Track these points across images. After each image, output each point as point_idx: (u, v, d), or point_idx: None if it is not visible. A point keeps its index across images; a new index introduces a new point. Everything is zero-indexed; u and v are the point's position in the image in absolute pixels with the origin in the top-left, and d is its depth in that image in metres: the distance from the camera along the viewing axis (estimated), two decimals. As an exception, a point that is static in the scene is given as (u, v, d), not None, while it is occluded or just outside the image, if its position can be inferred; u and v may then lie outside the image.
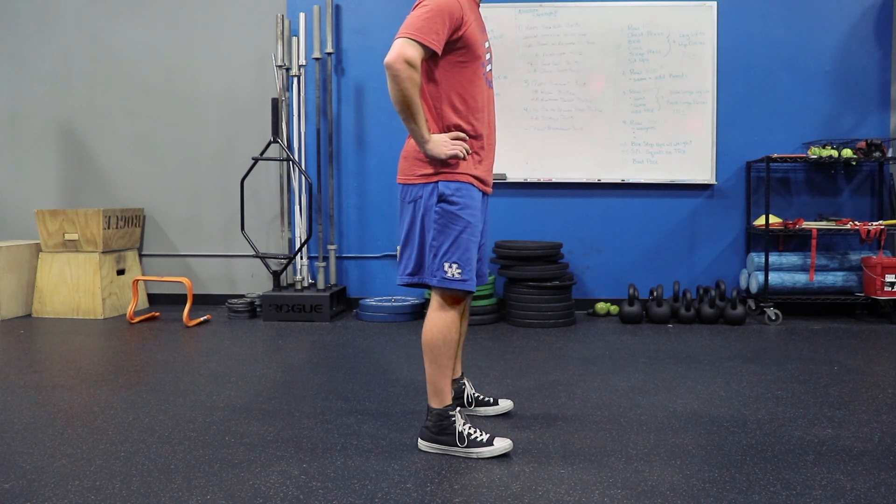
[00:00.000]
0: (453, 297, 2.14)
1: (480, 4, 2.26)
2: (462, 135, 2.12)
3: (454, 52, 2.09)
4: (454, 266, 2.09)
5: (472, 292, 2.17)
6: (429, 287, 2.16)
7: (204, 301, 4.94)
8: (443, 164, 2.09)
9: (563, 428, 2.38)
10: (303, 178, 4.65)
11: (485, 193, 2.23)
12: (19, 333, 4.08)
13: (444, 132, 2.12)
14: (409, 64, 1.95)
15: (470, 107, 2.14)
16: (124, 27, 4.95)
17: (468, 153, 2.12)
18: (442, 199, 2.09)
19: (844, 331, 4.05)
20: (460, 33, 2.07)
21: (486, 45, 2.22)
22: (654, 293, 4.31)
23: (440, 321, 2.13)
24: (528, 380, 3.00)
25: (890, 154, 4.51)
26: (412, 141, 2.13)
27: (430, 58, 2.06)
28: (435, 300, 2.16)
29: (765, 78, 4.64)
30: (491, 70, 2.26)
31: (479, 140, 2.17)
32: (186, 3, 4.91)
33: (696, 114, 4.63)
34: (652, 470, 2.01)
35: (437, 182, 2.09)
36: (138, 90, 4.98)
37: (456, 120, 2.13)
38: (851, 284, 4.41)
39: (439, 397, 2.14)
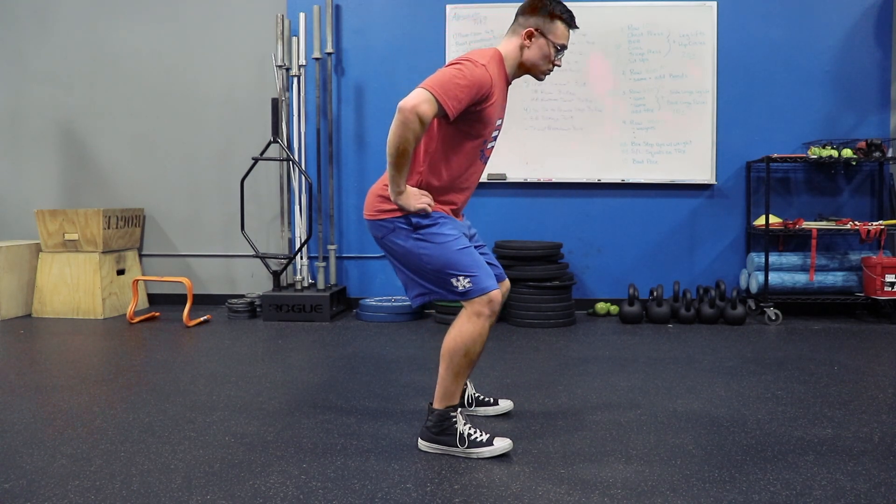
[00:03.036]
0: (482, 302, 2.07)
1: (511, 82, 2.25)
2: (430, 200, 2.11)
3: (464, 122, 2.08)
4: (460, 278, 2.07)
5: (492, 289, 2.08)
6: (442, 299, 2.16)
7: (204, 301, 4.94)
8: None
9: (563, 428, 2.38)
10: (303, 178, 4.65)
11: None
12: (19, 333, 4.08)
13: (418, 182, 2.13)
14: (420, 118, 1.93)
15: (453, 176, 2.16)
16: (124, 27, 4.95)
17: (432, 208, 2.12)
18: (415, 225, 2.10)
19: (844, 331, 4.05)
20: (479, 108, 2.07)
21: (499, 122, 2.21)
22: (654, 293, 4.31)
23: (468, 332, 2.07)
24: (528, 380, 2.99)
25: (890, 154, 4.51)
26: (382, 180, 2.15)
27: (441, 117, 2.05)
28: (467, 308, 2.10)
29: (765, 78, 4.64)
30: (493, 147, 2.26)
31: (450, 201, 2.20)
32: (186, 3, 4.91)
33: (696, 114, 4.63)
34: (652, 470, 2.01)
35: (404, 214, 2.11)
36: (138, 90, 4.98)
37: (434, 184, 2.14)
38: (851, 284, 4.41)
39: (446, 400, 2.14)
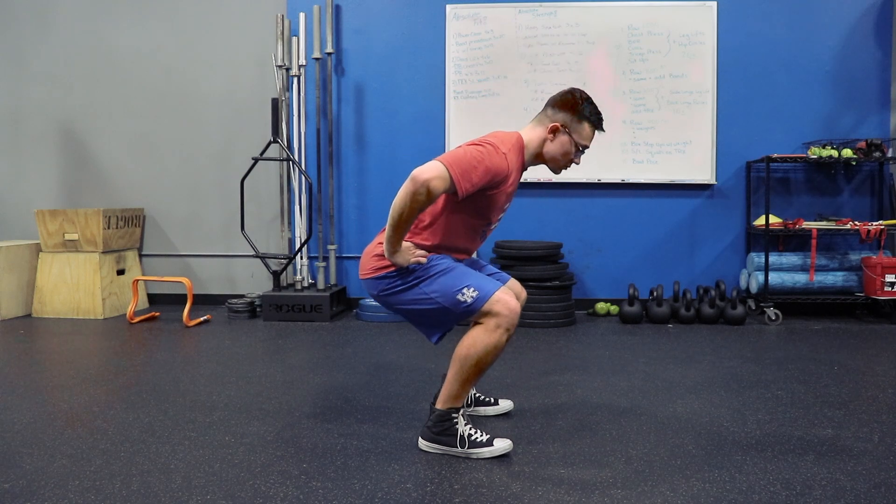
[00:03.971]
0: (498, 314, 2.04)
1: (526, 169, 2.26)
2: (423, 252, 2.14)
3: (472, 202, 2.11)
4: (464, 291, 2.07)
5: (507, 298, 2.06)
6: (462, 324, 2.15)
7: (204, 301, 4.94)
8: None
9: (563, 428, 2.38)
10: (303, 178, 4.65)
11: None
12: (19, 333, 4.08)
13: (417, 242, 2.16)
14: (430, 193, 1.96)
15: (451, 246, 2.19)
16: (124, 27, 4.96)
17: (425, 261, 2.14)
18: (410, 270, 2.12)
19: (844, 331, 4.05)
20: (490, 192, 2.10)
21: (506, 206, 2.24)
22: (654, 293, 4.31)
23: (481, 342, 2.05)
24: (528, 380, 2.99)
25: (890, 154, 4.52)
26: (377, 239, 2.19)
27: (451, 194, 2.06)
28: (484, 320, 2.07)
29: (765, 78, 4.64)
30: (494, 227, 2.29)
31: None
32: (186, 4, 4.91)
33: (696, 114, 4.63)
34: (652, 470, 2.01)
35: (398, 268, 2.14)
36: (138, 90, 4.98)
37: (431, 247, 2.17)
38: (851, 284, 4.41)
39: (450, 402, 2.14)
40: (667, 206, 4.73)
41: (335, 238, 4.84)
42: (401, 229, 2.02)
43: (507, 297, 2.06)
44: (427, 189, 1.94)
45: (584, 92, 2.23)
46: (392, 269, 2.14)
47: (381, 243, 2.14)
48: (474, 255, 2.43)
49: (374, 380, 2.99)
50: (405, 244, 2.11)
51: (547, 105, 2.24)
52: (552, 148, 2.21)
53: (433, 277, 2.11)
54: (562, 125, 2.19)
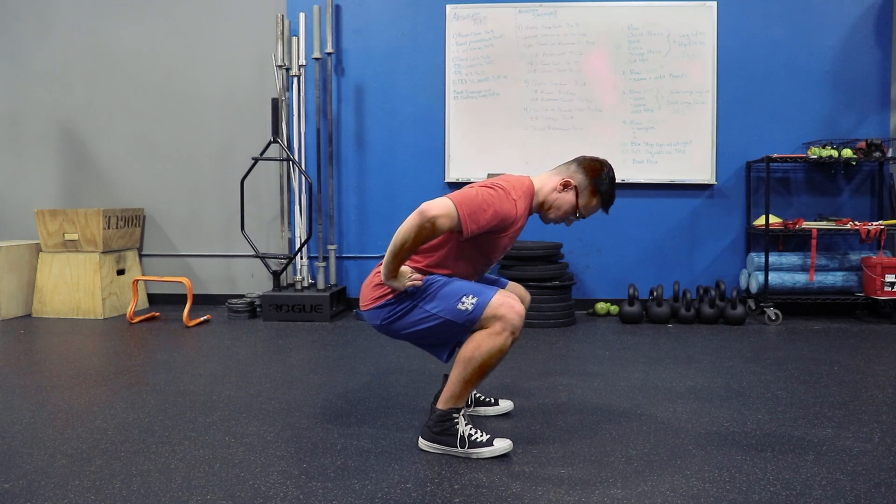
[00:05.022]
0: (501, 318, 2.04)
1: (532, 214, 2.27)
2: (419, 276, 2.14)
3: (476, 241, 2.13)
4: (463, 300, 2.07)
5: (495, 293, 2.08)
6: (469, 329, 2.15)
7: (204, 301, 4.94)
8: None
9: (563, 428, 2.38)
10: (303, 178, 4.65)
11: None
12: (19, 333, 4.08)
13: (417, 267, 2.17)
14: (435, 229, 1.98)
15: (452, 274, 2.20)
16: (124, 27, 4.96)
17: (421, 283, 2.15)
18: (407, 294, 2.13)
19: (844, 331, 4.05)
20: (496, 235, 2.13)
21: (509, 248, 2.27)
22: (654, 293, 4.31)
23: (486, 346, 2.05)
24: (528, 380, 2.99)
25: (890, 154, 4.52)
26: (375, 270, 2.21)
27: (456, 232, 2.08)
28: (489, 326, 2.07)
29: (765, 78, 4.64)
30: (491, 265, 2.30)
31: None
32: (186, 4, 4.91)
33: (696, 114, 4.63)
34: (652, 470, 2.01)
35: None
36: (138, 90, 4.98)
37: (425, 273, 2.18)
38: (851, 284, 4.41)
39: (451, 402, 2.14)
40: (667, 206, 4.73)
41: (335, 238, 4.84)
42: (400, 258, 2.05)
43: (510, 300, 2.06)
44: (433, 225, 1.97)
45: (612, 170, 2.25)
46: (391, 295, 2.15)
47: (379, 273, 2.17)
48: None
49: (374, 380, 2.99)
50: (403, 269, 2.13)
51: (574, 160, 2.26)
52: (555, 198, 2.22)
53: (432, 294, 2.12)
54: (575, 186, 2.21)
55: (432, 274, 2.19)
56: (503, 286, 2.37)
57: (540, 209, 2.26)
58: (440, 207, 1.98)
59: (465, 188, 2.11)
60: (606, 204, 2.24)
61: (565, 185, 2.21)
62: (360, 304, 2.26)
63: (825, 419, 2.45)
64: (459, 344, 2.17)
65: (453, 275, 2.21)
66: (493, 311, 2.05)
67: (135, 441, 2.25)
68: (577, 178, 2.21)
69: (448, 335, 2.15)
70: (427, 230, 1.98)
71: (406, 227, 1.99)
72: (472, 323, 2.08)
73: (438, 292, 2.11)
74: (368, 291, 2.23)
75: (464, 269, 2.22)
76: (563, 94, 4.68)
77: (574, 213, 2.24)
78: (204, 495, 1.85)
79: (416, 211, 1.99)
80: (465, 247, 2.16)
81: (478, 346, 2.06)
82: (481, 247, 2.17)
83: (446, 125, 4.75)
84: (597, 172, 2.21)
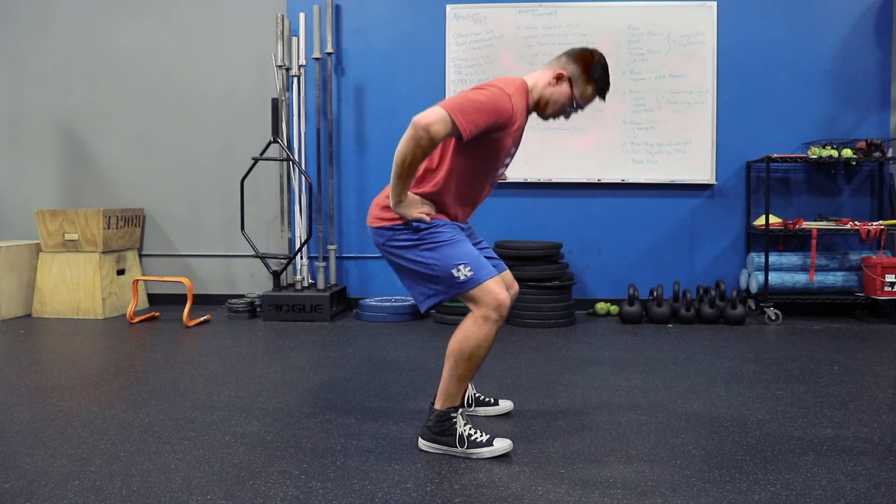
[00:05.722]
0: (488, 304, 2.05)
1: (531, 114, 2.23)
2: (431, 204, 2.13)
3: (478, 146, 2.08)
4: (460, 267, 2.07)
5: (499, 288, 2.08)
6: (451, 300, 2.15)
7: (204, 301, 4.94)
8: None
9: (563, 428, 2.38)
10: (303, 178, 4.65)
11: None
12: (19, 333, 4.08)
13: (422, 192, 2.14)
14: (432, 138, 1.93)
15: (458, 194, 2.17)
16: (124, 27, 4.95)
17: (430, 219, 2.12)
18: (416, 229, 2.11)
19: (844, 331, 4.05)
20: (496, 135, 2.06)
21: (513, 150, 2.21)
22: (654, 293, 4.31)
23: (472, 335, 2.06)
24: (528, 380, 3.00)
25: (890, 154, 4.51)
26: (385, 191, 2.16)
27: (456, 138, 2.05)
28: (474, 311, 2.08)
29: (765, 78, 4.64)
30: (502, 173, 2.26)
31: (455, 214, 2.21)
32: (186, 4, 4.91)
33: (696, 114, 4.63)
34: (652, 470, 2.01)
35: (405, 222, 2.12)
36: (138, 90, 4.98)
37: (438, 198, 2.15)
38: (851, 284, 4.41)
39: (448, 401, 2.14)
40: (667, 206, 4.73)
41: (335, 238, 4.84)
42: (404, 178, 2.00)
43: (498, 288, 2.07)
44: (429, 133, 1.92)
45: (603, 57, 2.20)
46: (398, 221, 2.12)
47: (388, 196, 2.11)
48: (473, 231, 2.39)
49: (374, 380, 2.99)
50: (412, 196, 2.09)
51: (563, 54, 2.21)
52: (551, 92, 2.18)
53: (436, 245, 2.09)
54: (569, 76, 2.17)
55: (443, 201, 2.15)
56: (502, 270, 2.35)
57: (537, 107, 2.21)
58: (432, 115, 1.93)
59: (457, 94, 2.06)
60: (602, 91, 2.20)
61: (558, 78, 2.17)
62: (367, 220, 2.22)
63: (825, 419, 2.45)
64: (437, 305, 2.16)
65: (464, 193, 2.16)
66: (482, 294, 2.05)
67: (135, 441, 2.25)
68: (570, 68, 2.17)
69: (434, 290, 2.13)
70: (424, 141, 1.93)
71: (402, 143, 1.95)
72: (457, 291, 2.08)
73: (442, 246, 2.09)
74: (376, 210, 2.19)
75: (472, 183, 2.16)
76: (563, 94, 4.67)
77: (571, 105, 2.20)
78: (204, 495, 1.85)
79: (409, 126, 1.94)
80: (469, 157, 2.11)
81: (465, 336, 2.07)
82: (486, 153, 2.11)
83: (446, 125, 4.74)
84: (588, 60, 2.16)
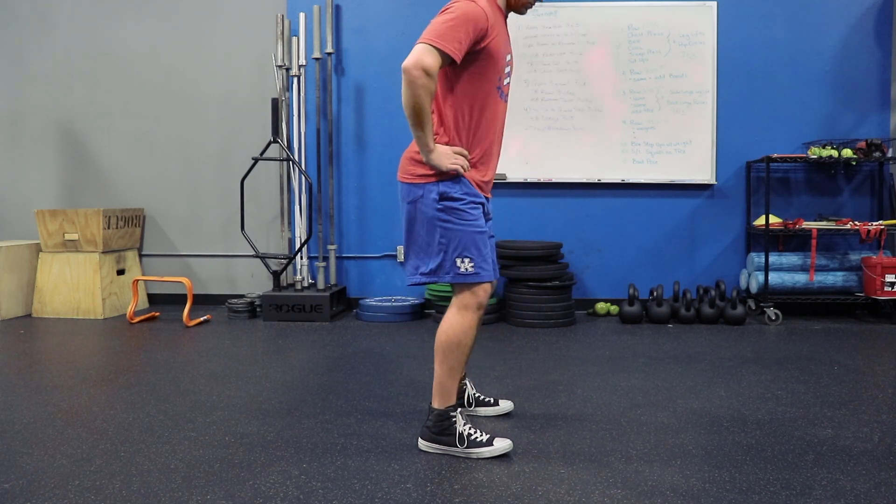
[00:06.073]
0: (473, 293, 2.10)
1: (507, 16, 2.22)
2: (464, 151, 2.10)
3: (474, 63, 2.06)
4: (466, 260, 2.07)
5: (489, 282, 2.13)
6: (438, 282, 2.16)
7: (204, 301, 4.94)
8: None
9: (563, 428, 2.38)
10: (303, 178, 4.65)
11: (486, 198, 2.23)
12: (19, 333, 4.08)
13: (448, 140, 2.10)
14: (426, 72, 1.92)
15: (477, 119, 2.12)
16: (124, 27, 4.96)
17: (467, 169, 2.10)
18: (444, 197, 2.08)
19: (844, 331, 4.05)
20: (483, 44, 2.04)
21: (508, 58, 2.18)
22: (654, 293, 4.31)
23: (457, 324, 2.11)
24: (528, 380, 2.99)
25: (890, 154, 4.51)
26: (414, 145, 2.12)
27: (449, 65, 2.03)
28: (455, 301, 2.13)
29: (765, 78, 4.64)
30: (509, 83, 2.23)
31: (481, 151, 2.16)
32: (186, 4, 4.91)
33: (696, 114, 4.63)
34: (652, 470, 2.01)
35: (437, 182, 2.08)
36: (138, 90, 4.98)
37: (461, 131, 2.11)
38: (851, 284, 4.41)
39: (444, 398, 2.14)
40: (667, 206, 4.73)
41: (335, 238, 4.84)
42: (421, 124, 1.98)
43: (487, 289, 2.14)
44: (422, 70, 1.92)
45: None
46: (432, 180, 2.08)
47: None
48: (491, 216, 2.37)
49: (374, 380, 2.99)
50: (441, 147, 2.06)
51: None
52: None
53: (451, 230, 2.07)
54: None
55: (464, 144, 2.11)
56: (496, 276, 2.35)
57: (509, 5, 2.20)
58: (416, 53, 1.94)
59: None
60: None
61: None
62: (398, 173, 2.18)
63: (825, 419, 2.45)
64: (423, 284, 2.17)
65: (483, 118, 2.12)
66: (472, 290, 2.10)
67: (135, 441, 2.25)
68: None
69: (430, 267, 2.12)
70: (421, 79, 1.92)
71: (404, 94, 1.95)
72: (452, 278, 2.09)
73: (457, 233, 2.07)
74: (406, 163, 2.15)
75: (487, 103, 2.12)
76: (563, 94, 4.68)
77: None
78: (204, 495, 1.85)
79: (402, 74, 1.94)
80: (471, 81, 2.08)
81: (450, 326, 2.11)
82: (483, 67, 2.07)
83: (446, 125, 4.74)
84: None
